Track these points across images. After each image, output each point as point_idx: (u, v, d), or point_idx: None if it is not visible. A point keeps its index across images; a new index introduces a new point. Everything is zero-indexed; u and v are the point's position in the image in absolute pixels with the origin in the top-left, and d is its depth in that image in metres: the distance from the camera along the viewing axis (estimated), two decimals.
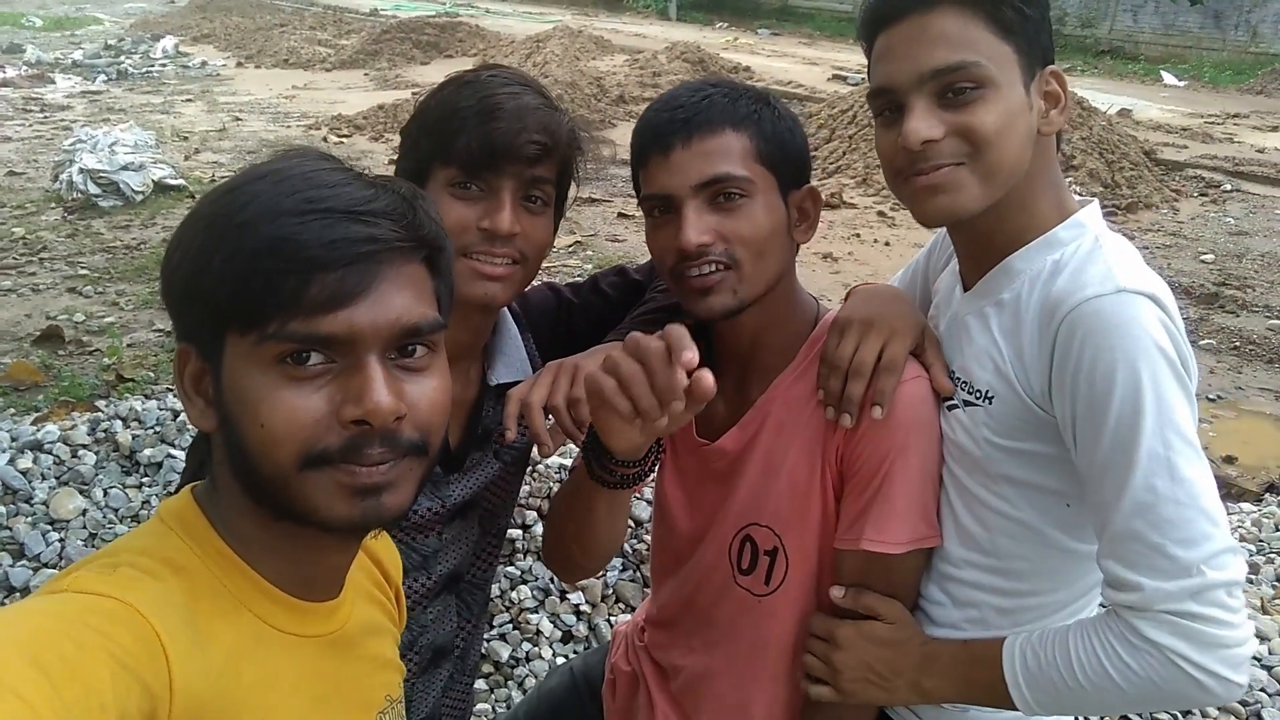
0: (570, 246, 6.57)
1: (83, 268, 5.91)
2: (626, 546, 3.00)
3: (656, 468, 1.29)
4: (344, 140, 9.57)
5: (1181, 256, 7.00)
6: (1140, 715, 2.46)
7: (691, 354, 0.99)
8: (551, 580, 2.89)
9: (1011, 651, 1.15)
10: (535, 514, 3.03)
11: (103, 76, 13.20)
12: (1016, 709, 1.15)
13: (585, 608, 2.85)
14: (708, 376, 1.00)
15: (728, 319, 1.25)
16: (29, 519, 2.97)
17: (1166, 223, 7.81)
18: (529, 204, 1.26)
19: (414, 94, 9.79)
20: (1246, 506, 3.81)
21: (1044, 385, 1.12)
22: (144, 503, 3.09)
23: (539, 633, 2.76)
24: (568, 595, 2.86)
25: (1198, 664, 1.02)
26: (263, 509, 0.81)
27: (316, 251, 0.76)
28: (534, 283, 1.42)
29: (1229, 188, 8.92)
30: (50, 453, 3.23)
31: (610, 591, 2.90)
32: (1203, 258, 6.97)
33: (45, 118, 10.38)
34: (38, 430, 3.35)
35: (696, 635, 1.43)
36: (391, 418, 0.79)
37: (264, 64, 14.97)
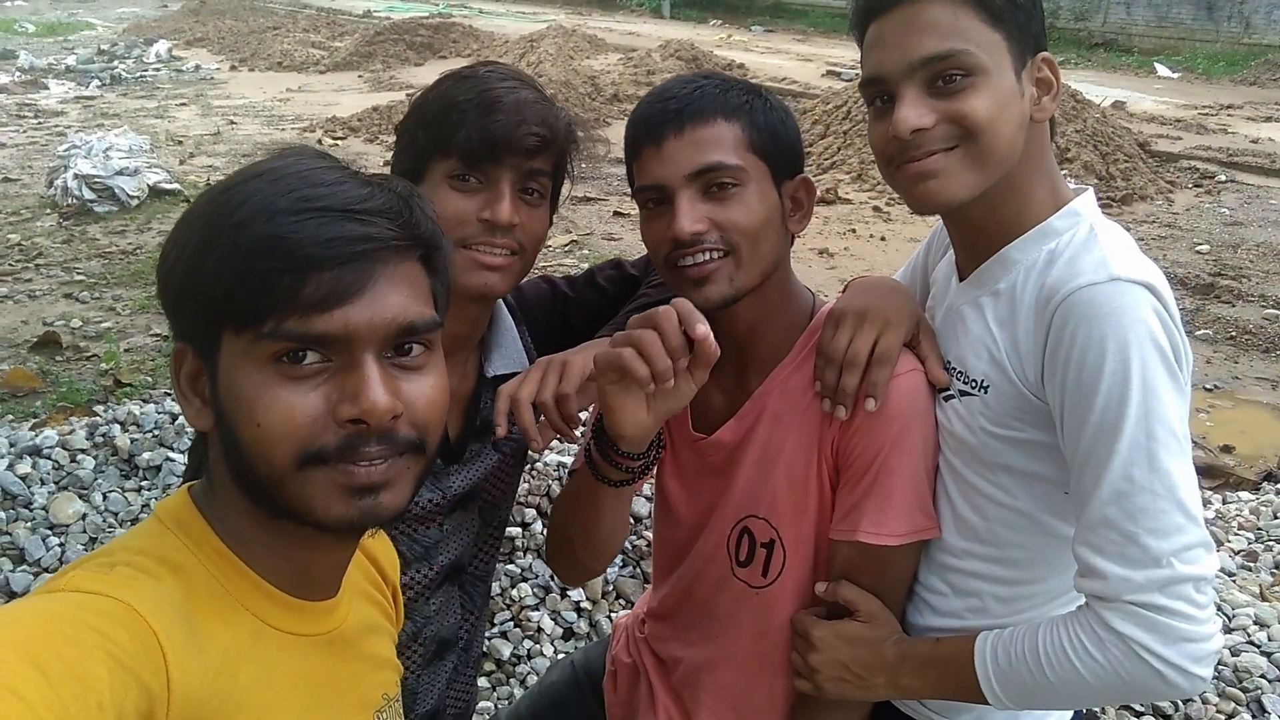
0: (566, 245, 6.56)
1: (79, 273, 5.90)
2: (626, 543, 3.01)
3: (656, 465, 1.29)
4: (339, 142, 9.56)
5: (1177, 247, 7.00)
6: (1142, 706, 2.46)
7: (704, 327, 1.05)
8: (552, 578, 2.89)
9: (983, 650, 1.16)
10: (534, 512, 3.03)
11: (96, 81, 13.18)
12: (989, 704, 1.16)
13: (586, 604, 2.85)
14: (712, 338, 1.06)
15: (724, 309, 1.26)
16: (29, 524, 2.97)
17: (1161, 214, 7.82)
18: (526, 196, 1.28)
19: (408, 95, 9.79)
20: (1245, 495, 3.82)
21: (1038, 373, 1.12)
22: (143, 506, 3.09)
23: (540, 630, 2.76)
24: (568, 592, 2.87)
25: (1160, 656, 1.02)
26: (260, 508, 0.81)
27: (312, 250, 0.76)
28: (530, 276, 1.43)
29: (1223, 178, 8.91)
30: (49, 458, 3.23)
31: (611, 588, 2.91)
32: (1198, 248, 6.97)
33: (39, 123, 10.37)
34: (36, 435, 3.35)
35: (696, 627, 1.43)
36: (388, 417, 0.79)
37: (258, 67, 14.97)
